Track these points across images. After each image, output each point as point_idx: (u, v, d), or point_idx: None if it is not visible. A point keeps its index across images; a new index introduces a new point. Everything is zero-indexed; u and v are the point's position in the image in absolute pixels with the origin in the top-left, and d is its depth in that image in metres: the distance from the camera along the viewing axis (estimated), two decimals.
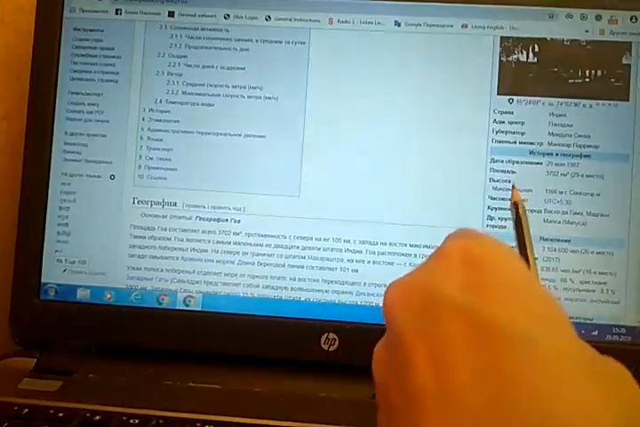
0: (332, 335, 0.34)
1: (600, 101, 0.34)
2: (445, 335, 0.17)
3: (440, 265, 0.19)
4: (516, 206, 0.25)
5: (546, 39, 0.35)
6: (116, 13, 0.36)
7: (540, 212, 0.34)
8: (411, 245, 0.34)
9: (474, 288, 0.18)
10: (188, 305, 0.35)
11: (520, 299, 0.18)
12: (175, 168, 0.35)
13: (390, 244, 0.34)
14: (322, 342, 0.34)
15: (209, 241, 0.35)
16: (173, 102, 0.35)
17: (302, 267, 0.34)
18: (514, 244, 0.33)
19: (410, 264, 0.34)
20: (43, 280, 0.36)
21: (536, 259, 0.25)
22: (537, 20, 0.35)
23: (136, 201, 0.35)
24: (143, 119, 0.35)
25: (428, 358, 0.17)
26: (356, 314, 0.34)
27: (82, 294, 0.36)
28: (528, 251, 0.24)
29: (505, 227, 0.34)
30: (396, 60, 0.35)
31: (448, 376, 0.17)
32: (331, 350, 0.34)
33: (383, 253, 0.34)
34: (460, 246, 0.19)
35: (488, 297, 0.18)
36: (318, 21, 0.35)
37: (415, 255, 0.34)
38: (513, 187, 0.26)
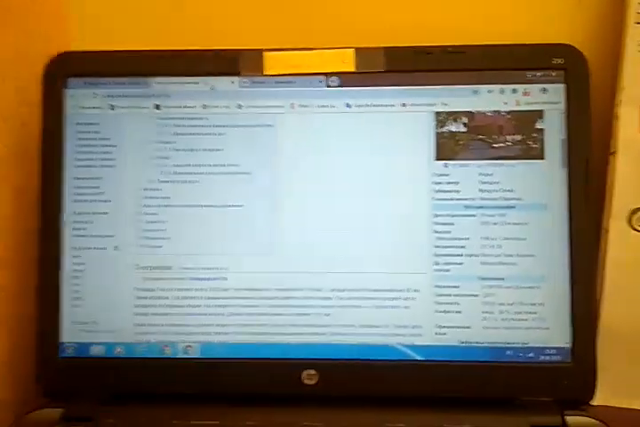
0: (311, 371, 0.39)
1: (520, 161, 0.39)
2: None
3: None
4: None
5: (472, 112, 0.40)
6: (110, 109, 0.41)
7: (477, 256, 0.39)
8: (373, 290, 0.40)
9: None
10: (187, 353, 0.40)
11: None
12: (169, 237, 0.40)
13: (355, 290, 0.40)
14: (303, 377, 0.39)
15: (202, 297, 0.40)
16: (164, 181, 0.40)
17: (282, 314, 0.39)
18: (455, 283, 0.40)
19: (374, 306, 0.40)
20: (61, 340, 0.40)
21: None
22: (464, 96, 0.40)
23: (138, 267, 0.40)
24: (139, 197, 0.41)
25: None
26: (330, 351, 0.39)
27: (95, 350, 0.40)
28: None
29: (449, 270, 0.40)
30: (349, 136, 0.40)
31: None
32: (311, 384, 0.39)
33: (350, 299, 0.39)
34: None
35: None
36: (282, 107, 0.41)
37: (377, 298, 0.40)
38: None
